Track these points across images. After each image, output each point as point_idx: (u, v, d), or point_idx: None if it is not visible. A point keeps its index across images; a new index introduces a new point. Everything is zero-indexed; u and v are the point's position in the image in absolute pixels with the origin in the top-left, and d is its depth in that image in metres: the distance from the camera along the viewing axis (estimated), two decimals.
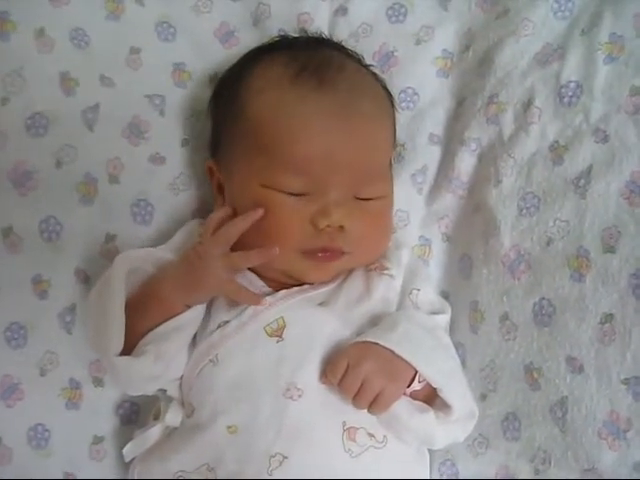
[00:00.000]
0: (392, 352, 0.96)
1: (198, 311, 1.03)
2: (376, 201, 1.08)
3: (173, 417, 1.02)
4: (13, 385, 1.07)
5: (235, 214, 1.05)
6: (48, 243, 1.09)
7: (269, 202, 1.02)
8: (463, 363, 1.13)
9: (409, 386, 0.99)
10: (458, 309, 1.16)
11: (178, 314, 1.00)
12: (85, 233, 1.12)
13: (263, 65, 1.11)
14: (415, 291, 1.11)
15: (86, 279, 1.11)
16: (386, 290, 1.09)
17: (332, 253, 1.04)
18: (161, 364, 0.99)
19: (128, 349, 0.99)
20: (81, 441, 1.12)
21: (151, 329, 1.00)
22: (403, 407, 0.99)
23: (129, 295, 1.01)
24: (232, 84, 1.14)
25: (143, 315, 1.00)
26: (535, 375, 1.07)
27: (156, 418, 1.06)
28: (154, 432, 1.04)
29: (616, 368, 0.99)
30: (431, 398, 1.02)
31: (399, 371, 0.98)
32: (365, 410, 0.97)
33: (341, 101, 1.04)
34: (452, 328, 1.15)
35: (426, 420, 1.00)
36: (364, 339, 0.99)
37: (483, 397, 1.11)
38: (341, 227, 1.02)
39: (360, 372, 0.95)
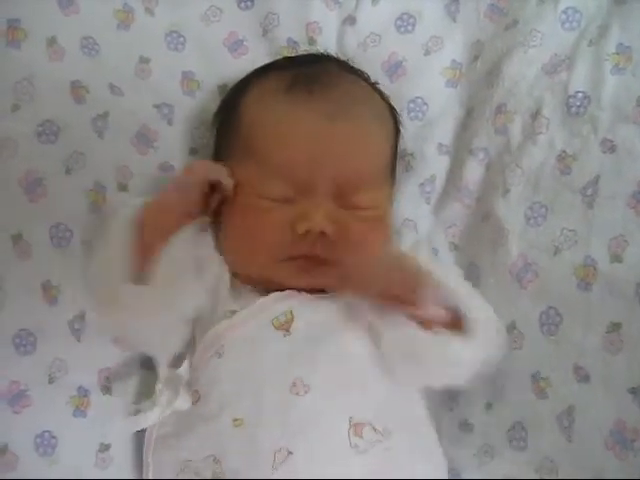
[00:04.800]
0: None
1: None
2: (366, 211, 1.07)
3: (182, 402, 1.00)
4: (21, 392, 1.05)
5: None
6: (58, 249, 1.08)
7: (253, 208, 1.04)
8: None
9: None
10: None
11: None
12: (94, 240, 1.12)
13: (261, 79, 1.13)
14: None
15: None
16: None
17: (309, 261, 1.03)
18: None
19: None
20: (88, 449, 1.10)
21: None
22: (425, 336, 0.96)
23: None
24: (234, 97, 1.16)
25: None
26: (542, 384, 1.07)
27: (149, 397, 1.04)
28: (152, 415, 1.02)
29: (623, 377, 0.99)
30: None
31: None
32: (372, 405, 0.97)
33: (330, 109, 1.05)
34: None
35: (448, 340, 0.96)
36: None
37: (489, 406, 1.11)
38: (322, 233, 1.01)
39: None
